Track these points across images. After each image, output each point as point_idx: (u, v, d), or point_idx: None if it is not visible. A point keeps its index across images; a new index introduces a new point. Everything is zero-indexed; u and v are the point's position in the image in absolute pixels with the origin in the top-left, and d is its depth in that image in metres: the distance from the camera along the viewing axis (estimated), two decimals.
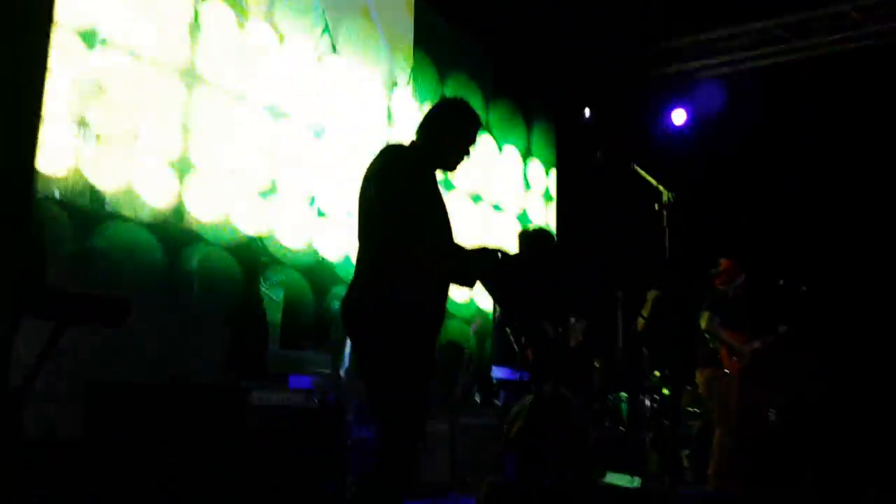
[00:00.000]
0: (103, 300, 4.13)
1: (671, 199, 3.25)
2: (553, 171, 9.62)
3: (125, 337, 4.82)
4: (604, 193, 7.88)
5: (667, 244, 3.18)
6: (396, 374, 3.20)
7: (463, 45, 8.36)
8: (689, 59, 9.48)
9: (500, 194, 8.71)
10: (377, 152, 3.43)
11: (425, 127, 3.55)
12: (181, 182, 5.63)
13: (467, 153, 3.60)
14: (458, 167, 3.65)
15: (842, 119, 8.49)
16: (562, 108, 9.45)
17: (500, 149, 8.81)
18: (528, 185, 9.17)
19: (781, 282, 6.20)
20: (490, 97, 8.74)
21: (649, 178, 3.34)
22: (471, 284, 3.57)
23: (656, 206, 3.31)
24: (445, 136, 3.52)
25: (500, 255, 3.28)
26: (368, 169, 3.41)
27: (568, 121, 9.27)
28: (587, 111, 9.24)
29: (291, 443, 4.56)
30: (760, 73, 9.16)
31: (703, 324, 6.06)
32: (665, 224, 3.24)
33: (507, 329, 4.97)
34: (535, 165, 9.35)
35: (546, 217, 9.39)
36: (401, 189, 3.28)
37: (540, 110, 9.41)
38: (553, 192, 9.58)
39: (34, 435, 4.46)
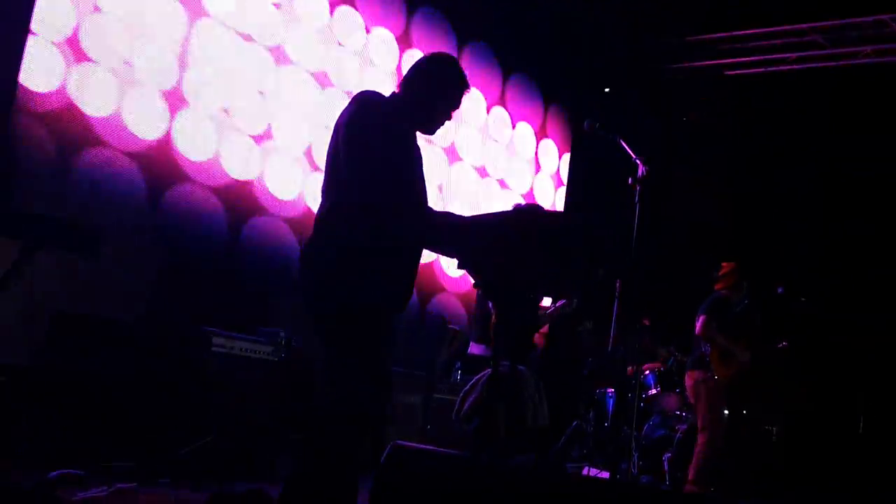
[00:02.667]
0: (73, 226, 4.05)
1: (646, 175, 3.07)
2: (566, 156, 9.42)
3: (98, 270, 4.78)
4: (611, 181, 7.69)
5: (635, 223, 3.00)
6: (350, 338, 3.04)
7: (485, 14, 8.13)
8: (715, 56, 9.20)
9: (508, 171, 8.53)
10: (351, 99, 3.26)
11: (409, 81, 3.33)
12: (172, 116, 5.51)
13: (449, 117, 3.42)
14: (438, 132, 3.48)
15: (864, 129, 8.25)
16: (580, 93, 9.21)
17: (514, 125, 8.64)
18: (537, 166, 8.98)
19: (780, 290, 6.02)
20: (510, 71, 8.54)
21: (630, 151, 3.17)
22: (444, 252, 3.40)
23: (629, 181, 3.14)
24: (429, 94, 3.31)
25: (467, 220, 3.12)
26: (340, 116, 3.24)
27: (585, 107, 9.04)
28: (606, 90, 9.06)
29: (249, 393, 4.46)
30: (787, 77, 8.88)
31: (698, 328, 5.92)
32: (636, 200, 3.06)
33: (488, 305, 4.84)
34: (548, 146, 9.15)
35: (554, 200, 9.20)
36: (370, 137, 3.10)
37: (559, 92, 9.19)
38: (564, 176, 9.39)
39: None
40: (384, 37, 7.16)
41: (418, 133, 3.38)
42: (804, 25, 8.39)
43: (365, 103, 3.20)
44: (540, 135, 8.98)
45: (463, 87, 3.39)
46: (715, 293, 6.10)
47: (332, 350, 3.06)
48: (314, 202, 6.43)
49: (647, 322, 7.24)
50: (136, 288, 5.10)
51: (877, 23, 8.06)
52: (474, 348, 5.37)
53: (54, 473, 3.15)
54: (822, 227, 8.41)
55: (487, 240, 3.02)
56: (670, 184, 7.64)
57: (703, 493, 5.68)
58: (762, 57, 8.91)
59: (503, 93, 8.49)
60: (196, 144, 5.65)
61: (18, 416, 4.07)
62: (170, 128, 5.50)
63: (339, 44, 6.76)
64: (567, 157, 9.39)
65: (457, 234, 3.10)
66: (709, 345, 5.91)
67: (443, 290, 7.79)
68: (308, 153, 6.50)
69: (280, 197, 6.28)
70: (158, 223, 5.43)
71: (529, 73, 8.80)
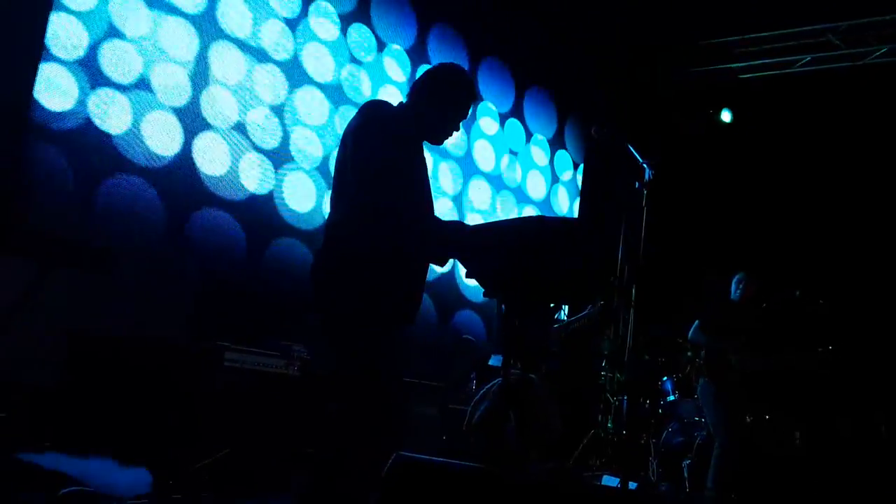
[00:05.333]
0: (85, 247, 4.09)
1: (652, 177, 3.05)
2: (581, 167, 9.39)
3: (114, 287, 4.80)
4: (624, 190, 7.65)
5: (643, 227, 2.97)
6: (358, 349, 3.03)
7: (498, 29, 8.14)
8: (732, 59, 9.14)
9: (524, 182, 8.52)
10: (359, 108, 3.26)
11: (418, 90, 3.34)
12: (188, 133, 5.56)
13: (457, 128, 3.41)
14: (446, 142, 3.47)
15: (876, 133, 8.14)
16: (594, 100, 9.17)
17: (530, 137, 8.63)
18: (552, 176, 8.95)
19: (798, 293, 5.94)
20: (525, 84, 8.53)
21: (636, 154, 3.14)
22: (443, 262, 3.38)
23: (636, 185, 3.11)
24: (437, 103, 3.31)
25: (474, 228, 3.10)
26: (348, 126, 3.24)
27: (601, 118, 9.00)
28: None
29: (261, 408, 4.46)
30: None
31: (690, 334, 5.88)
32: (644, 203, 3.04)
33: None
34: (564, 158, 9.12)
35: (571, 211, 9.17)
36: (378, 147, 3.10)
37: (574, 103, 9.16)
38: (578, 187, 9.36)
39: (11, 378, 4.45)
40: (398, 53, 7.19)
41: (425, 142, 3.38)
42: (818, 26, 8.34)
43: (372, 112, 3.21)
44: (555, 145, 8.96)
45: (471, 96, 3.39)
46: (718, 299, 6.06)
47: (341, 361, 3.06)
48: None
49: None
50: (151, 306, 5.12)
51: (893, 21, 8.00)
52: (495, 360, 5.35)
53: (65, 490, 3.16)
54: (837, 230, 8.31)
55: (495, 248, 3.00)
56: (682, 188, 7.58)
57: (722, 498, 5.60)
58: (776, 59, 8.86)
59: (518, 105, 8.48)
60: (213, 162, 5.70)
61: (35, 434, 4.10)
62: (188, 146, 5.54)
63: (354, 59, 6.80)
64: (582, 167, 9.36)
65: (464, 242, 3.10)
66: (703, 350, 5.88)
67: (465, 304, 7.79)
68: (323, 168, 6.53)
69: (297, 211, 6.31)
70: (176, 241, 5.47)
71: (544, 85, 8.78)
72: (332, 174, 3.27)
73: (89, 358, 4.56)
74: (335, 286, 3.03)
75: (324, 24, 6.58)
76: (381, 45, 7.04)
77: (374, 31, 6.97)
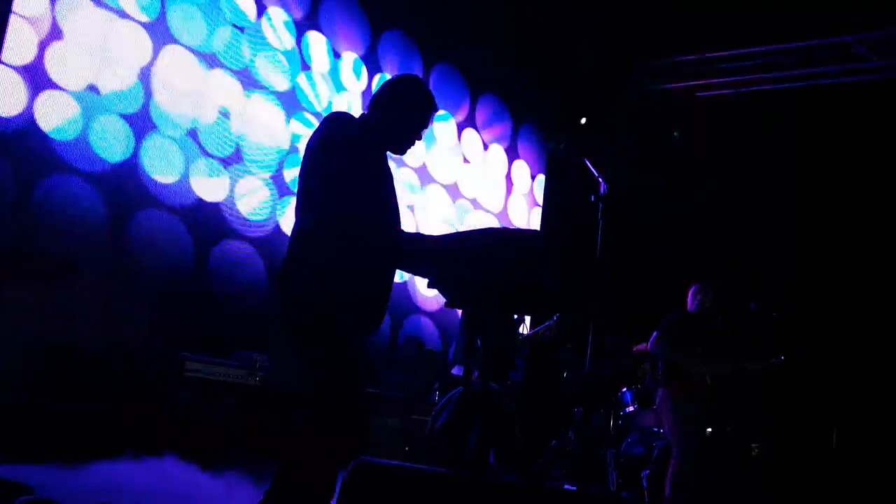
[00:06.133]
0: (50, 260, 4.06)
1: (608, 191, 3.13)
2: (540, 177, 9.48)
3: (69, 299, 4.75)
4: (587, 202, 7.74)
5: (598, 241, 3.04)
6: (324, 358, 3.05)
7: (451, 35, 8.20)
8: (690, 78, 9.34)
9: (480, 192, 8.59)
10: (321, 121, 3.30)
11: (377, 102, 3.40)
12: (138, 140, 5.51)
13: (419, 137, 3.47)
14: (408, 152, 3.52)
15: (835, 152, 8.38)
16: (553, 113, 9.28)
17: (484, 146, 8.71)
18: (509, 186, 9.04)
19: (753, 306, 6.06)
20: (478, 92, 8.60)
21: (592, 168, 3.22)
22: (415, 271, 3.43)
23: (592, 198, 3.19)
24: (399, 114, 3.37)
25: (436, 238, 3.15)
26: (311, 137, 3.28)
27: (557, 127, 9.11)
28: (583, 120, 9.14)
29: (223, 419, 4.44)
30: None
31: (649, 343, 5.95)
32: (599, 216, 3.11)
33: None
34: (521, 167, 9.22)
35: (528, 221, 9.25)
36: (342, 157, 3.14)
37: (529, 113, 9.26)
38: (539, 198, 9.45)
39: None
40: (351, 59, 7.22)
41: (389, 154, 3.43)
42: (771, 47, 8.57)
43: (335, 124, 3.26)
44: (511, 155, 9.05)
45: (431, 106, 3.45)
46: (676, 310, 6.15)
47: (305, 369, 3.08)
48: (284, 223, 6.46)
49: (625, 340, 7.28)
50: (108, 315, 5.07)
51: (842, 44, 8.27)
52: (457, 370, 5.38)
53: (22, 499, 3.12)
54: (796, 244, 8.51)
55: (456, 258, 3.05)
56: (640, 201, 7.73)
57: None
58: (733, 78, 9.07)
59: (472, 113, 8.54)
60: (162, 167, 5.67)
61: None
62: (136, 151, 5.50)
63: (307, 67, 6.81)
64: (540, 177, 9.46)
65: (426, 253, 3.14)
66: (661, 361, 5.95)
67: (416, 311, 7.80)
68: (277, 175, 6.52)
69: (249, 219, 6.29)
70: (126, 248, 5.41)
71: (498, 93, 8.84)
72: (297, 185, 3.29)
73: (47, 369, 4.50)
74: (301, 294, 3.06)
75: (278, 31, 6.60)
76: (335, 54, 7.06)
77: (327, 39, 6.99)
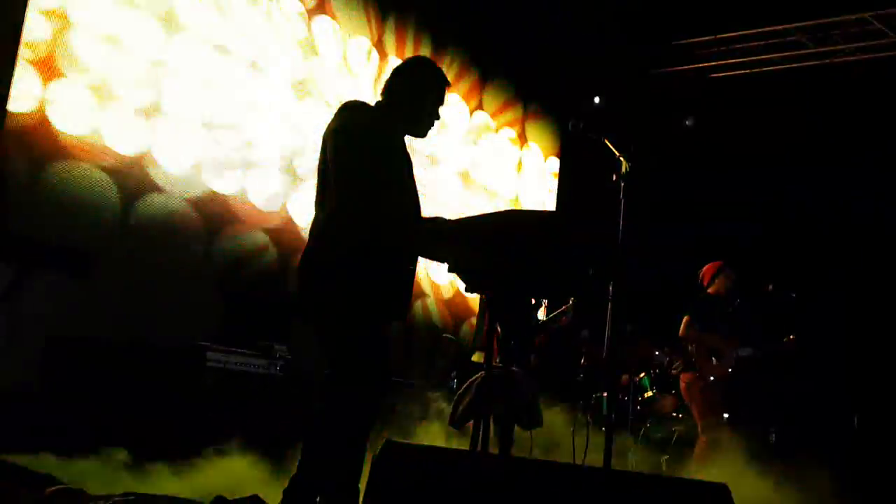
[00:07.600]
0: (66, 250, 4.07)
1: (628, 170, 3.10)
2: (553, 159, 9.43)
3: (89, 290, 4.76)
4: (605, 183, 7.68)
5: (621, 222, 3.02)
6: (352, 346, 3.04)
7: (461, 19, 8.11)
8: (703, 59, 9.27)
9: (492, 176, 8.55)
10: (336, 110, 3.29)
11: (391, 87, 3.39)
12: (150, 130, 5.48)
13: (437, 116, 3.46)
14: (429, 133, 3.51)
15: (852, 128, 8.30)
16: (565, 96, 9.21)
17: (496, 130, 8.66)
18: (522, 170, 8.99)
19: (770, 287, 6.03)
20: (487, 77, 8.53)
21: (613, 149, 3.20)
22: (435, 257, 3.42)
23: (614, 178, 3.17)
24: (414, 95, 3.36)
25: (455, 222, 3.13)
26: (327, 127, 3.27)
27: (570, 110, 9.06)
28: (597, 99, 9.09)
29: (246, 408, 4.45)
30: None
31: (681, 330, 5.95)
32: (621, 196, 3.09)
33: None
34: (533, 150, 9.16)
35: (543, 204, 9.21)
36: (360, 146, 3.14)
37: (540, 95, 9.19)
38: (553, 180, 9.41)
39: None
40: (362, 45, 7.17)
41: (407, 137, 3.42)
42: (788, 26, 8.47)
43: (351, 112, 3.25)
44: (522, 138, 9.00)
45: (444, 83, 3.45)
46: (700, 294, 6.13)
47: (332, 359, 3.09)
48: (296, 213, 6.46)
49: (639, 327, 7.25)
50: (129, 306, 5.07)
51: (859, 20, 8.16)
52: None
53: (52, 489, 3.15)
54: (811, 226, 8.44)
55: (474, 242, 3.03)
56: (657, 184, 7.67)
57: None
58: (746, 59, 8.99)
59: (482, 97, 8.48)
60: (176, 158, 5.65)
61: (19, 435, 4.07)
62: (150, 143, 5.49)
63: (317, 53, 6.78)
64: (552, 159, 9.41)
65: (444, 238, 3.13)
66: (692, 346, 5.94)
67: (426, 294, 7.79)
68: (289, 163, 6.51)
69: (262, 208, 6.29)
70: (141, 239, 5.37)
71: (508, 77, 8.77)
72: (316, 176, 3.29)
73: (68, 361, 4.52)
74: (325, 283, 3.06)
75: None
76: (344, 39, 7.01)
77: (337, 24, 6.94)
